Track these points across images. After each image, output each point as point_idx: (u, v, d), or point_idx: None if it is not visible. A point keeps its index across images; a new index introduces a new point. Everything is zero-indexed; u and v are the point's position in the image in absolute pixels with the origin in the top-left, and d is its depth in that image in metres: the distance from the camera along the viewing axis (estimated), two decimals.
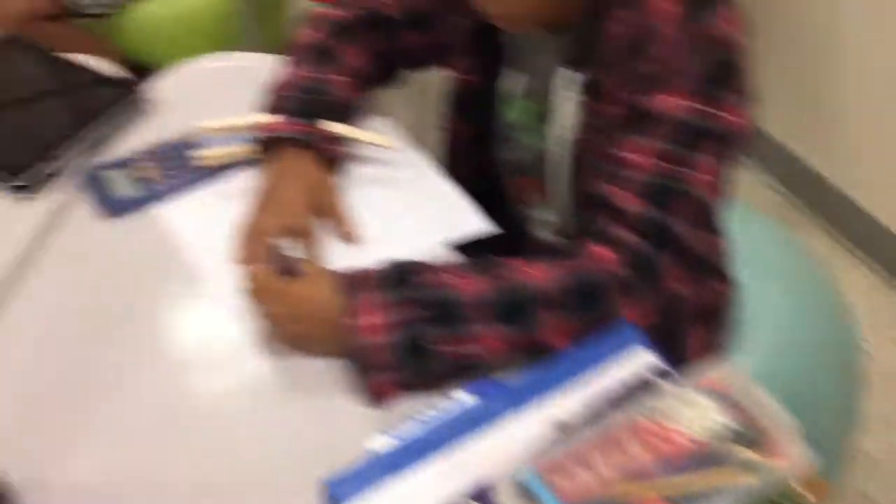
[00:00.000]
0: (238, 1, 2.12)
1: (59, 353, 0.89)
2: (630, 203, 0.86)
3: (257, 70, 1.19)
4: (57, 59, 1.17)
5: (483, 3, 0.92)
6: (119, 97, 1.11)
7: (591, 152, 0.95)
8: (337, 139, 1.04)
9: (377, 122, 1.13)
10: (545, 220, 1.12)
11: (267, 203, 0.98)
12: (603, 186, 0.89)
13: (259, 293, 0.88)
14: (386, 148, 1.05)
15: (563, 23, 0.95)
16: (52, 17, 2.14)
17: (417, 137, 1.13)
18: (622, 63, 0.89)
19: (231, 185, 1.04)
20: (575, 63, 0.94)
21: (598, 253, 0.86)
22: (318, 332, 0.86)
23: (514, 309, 0.83)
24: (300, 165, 1.00)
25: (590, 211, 0.90)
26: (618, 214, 0.86)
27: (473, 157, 1.17)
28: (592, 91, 0.93)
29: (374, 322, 0.82)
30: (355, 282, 0.85)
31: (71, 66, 1.16)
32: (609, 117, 0.91)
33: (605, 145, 0.91)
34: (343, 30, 1.12)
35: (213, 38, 2.29)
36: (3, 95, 1.13)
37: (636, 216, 0.86)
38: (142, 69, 2.25)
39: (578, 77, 0.94)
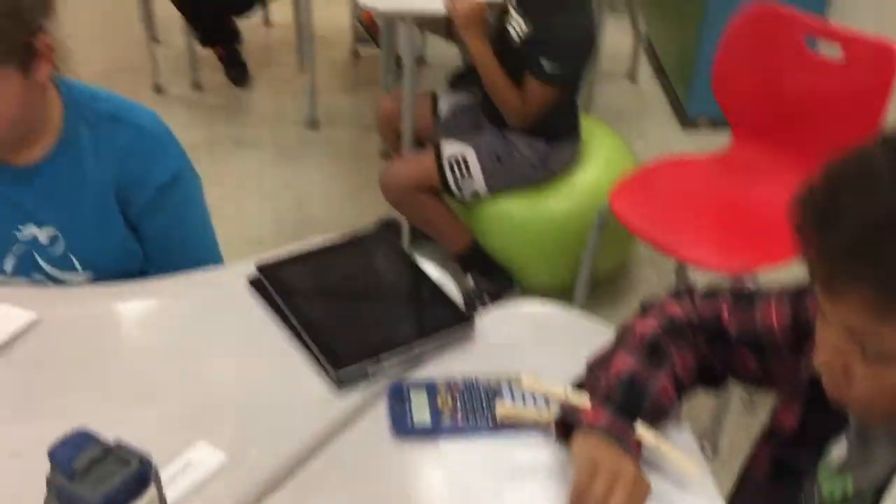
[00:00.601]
0: (590, 226, 2.19)
1: None
2: None
3: (584, 330, 1.21)
4: (412, 266, 1.28)
5: (829, 387, 0.85)
6: (453, 322, 1.17)
7: None
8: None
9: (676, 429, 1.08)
10: None
11: (579, 487, 0.95)
12: None
13: None
14: (688, 473, 1.00)
15: None
16: (428, 190, 2.39)
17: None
18: None
19: (519, 443, 1.04)
20: None
21: None
22: None
23: None
24: (614, 461, 0.97)
25: None
26: None
27: (772, 497, 1.07)
28: None
29: None
30: None
31: (421, 276, 1.26)
32: None
33: None
34: (678, 330, 1.09)
35: (559, 249, 2.40)
36: (354, 286, 1.25)
37: None
38: (480, 256, 2.43)
39: None
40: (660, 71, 3.69)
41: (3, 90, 1.18)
